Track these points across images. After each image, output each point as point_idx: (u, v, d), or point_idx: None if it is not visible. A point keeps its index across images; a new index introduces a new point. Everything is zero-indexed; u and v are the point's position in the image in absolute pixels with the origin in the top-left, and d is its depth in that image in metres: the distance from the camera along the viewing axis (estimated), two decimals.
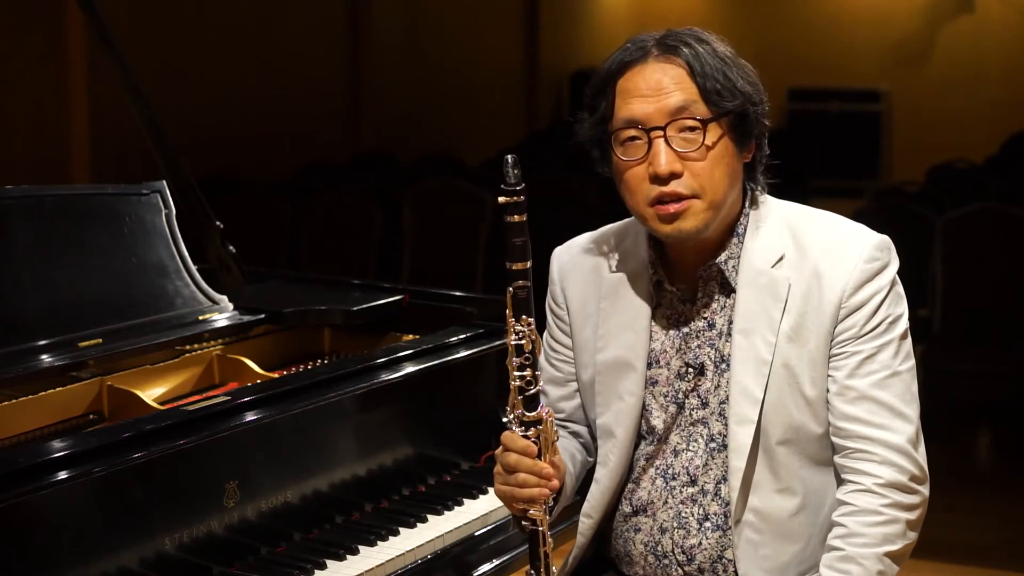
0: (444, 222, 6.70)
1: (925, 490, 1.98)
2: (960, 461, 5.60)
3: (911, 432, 1.97)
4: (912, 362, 2.01)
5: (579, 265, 2.18)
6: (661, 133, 1.95)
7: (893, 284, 2.00)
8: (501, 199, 1.90)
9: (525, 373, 1.93)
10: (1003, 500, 5.10)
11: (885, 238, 2.02)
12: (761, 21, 11.94)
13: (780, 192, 2.14)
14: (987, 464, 5.86)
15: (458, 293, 2.92)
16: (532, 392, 1.94)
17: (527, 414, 1.94)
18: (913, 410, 1.98)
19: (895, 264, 2.01)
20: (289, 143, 8.27)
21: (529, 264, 1.92)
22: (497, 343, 2.73)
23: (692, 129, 1.96)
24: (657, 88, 1.96)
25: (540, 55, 11.94)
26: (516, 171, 1.90)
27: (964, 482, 5.23)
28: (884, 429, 1.95)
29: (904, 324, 2.01)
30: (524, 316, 1.92)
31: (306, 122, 8.53)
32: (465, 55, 10.64)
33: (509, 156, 1.90)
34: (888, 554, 1.94)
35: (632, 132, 1.97)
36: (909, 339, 2.02)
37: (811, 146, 10.71)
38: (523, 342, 1.92)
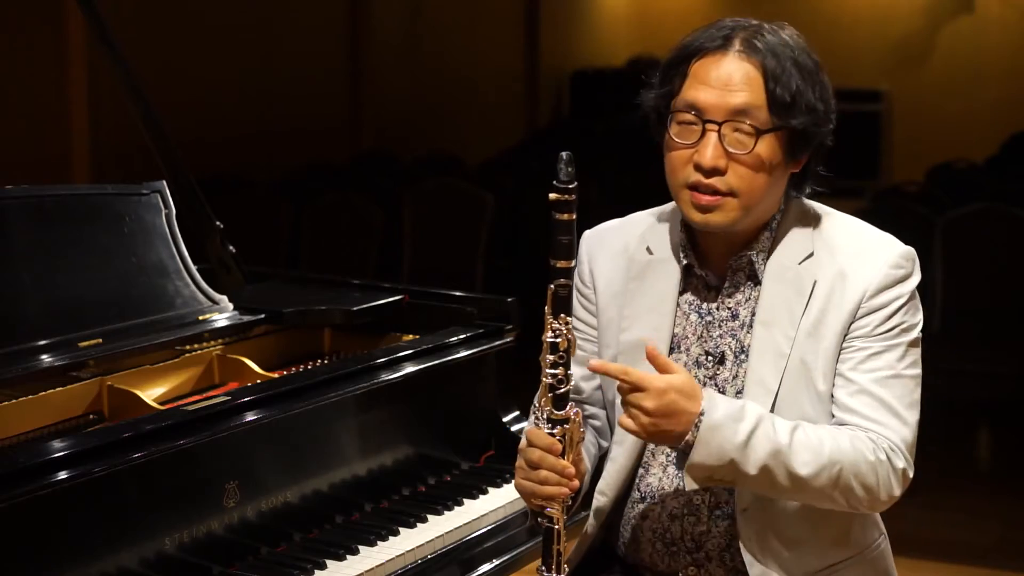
0: (444, 222, 6.70)
1: (902, 487, 1.98)
2: (960, 461, 5.59)
3: (907, 434, 1.98)
4: (918, 371, 2.02)
5: (609, 246, 2.20)
6: (716, 127, 1.98)
7: (912, 296, 2.03)
8: (552, 196, 1.90)
9: (557, 371, 1.93)
10: (1003, 500, 5.10)
11: (912, 250, 2.06)
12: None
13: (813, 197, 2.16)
14: (987, 464, 5.85)
15: (458, 293, 2.92)
16: (562, 391, 1.94)
17: (555, 412, 1.95)
18: (912, 416, 1.99)
19: (917, 277, 2.04)
20: (289, 143, 8.27)
21: (573, 263, 1.93)
22: (497, 343, 2.73)
23: (747, 134, 1.97)
24: (727, 82, 1.98)
25: (540, 55, 11.93)
26: (570, 169, 1.90)
27: (964, 482, 5.22)
28: (880, 425, 1.97)
29: (916, 333, 2.03)
30: (562, 314, 1.93)
31: (306, 122, 8.52)
32: (465, 55, 10.63)
33: (564, 153, 1.90)
34: (842, 470, 1.91)
35: (689, 116, 2.00)
36: (919, 349, 2.03)
37: None
38: (559, 340, 1.93)
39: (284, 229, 6.77)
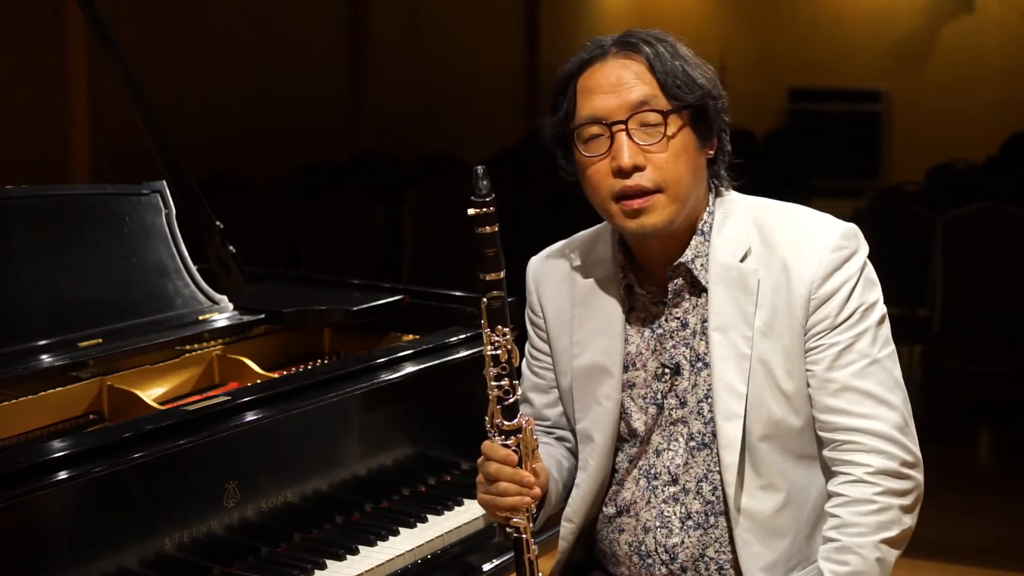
0: (444, 222, 6.70)
1: (918, 474, 1.98)
2: (960, 461, 5.60)
3: (896, 418, 1.96)
4: (891, 348, 2.01)
5: (552, 273, 2.19)
6: (623, 127, 1.97)
7: (862, 271, 2.00)
8: (471, 211, 1.91)
9: (503, 383, 1.94)
10: (1002, 500, 5.10)
11: (852, 226, 2.02)
12: (761, 21, 11.93)
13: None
14: (987, 464, 5.86)
15: (458, 293, 2.92)
16: (510, 401, 1.95)
17: (506, 423, 1.96)
18: (897, 396, 1.98)
19: (864, 251, 2.01)
20: (289, 143, 8.27)
21: (503, 274, 1.93)
22: None
23: (653, 124, 1.97)
24: (618, 83, 1.99)
25: (540, 55, 11.94)
26: (485, 182, 1.92)
27: (964, 482, 5.23)
28: (869, 418, 1.95)
29: (879, 311, 2.00)
30: (499, 326, 1.93)
31: (306, 122, 8.53)
32: (465, 55, 10.64)
33: (478, 167, 1.92)
34: (884, 541, 1.94)
35: (594, 128, 1.99)
36: (887, 325, 2.01)
37: (811, 146, 10.71)
38: (499, 352, 1.94)
39: (284, 229, 6.77)
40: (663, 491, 2.07)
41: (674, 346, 2.06)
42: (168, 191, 2.76)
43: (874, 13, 11.90)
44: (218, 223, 2.93)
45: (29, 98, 6.06)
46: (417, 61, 9.96)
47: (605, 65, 2.00)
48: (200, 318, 2.67)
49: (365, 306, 2.81)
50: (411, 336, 2.81)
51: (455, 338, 2.69)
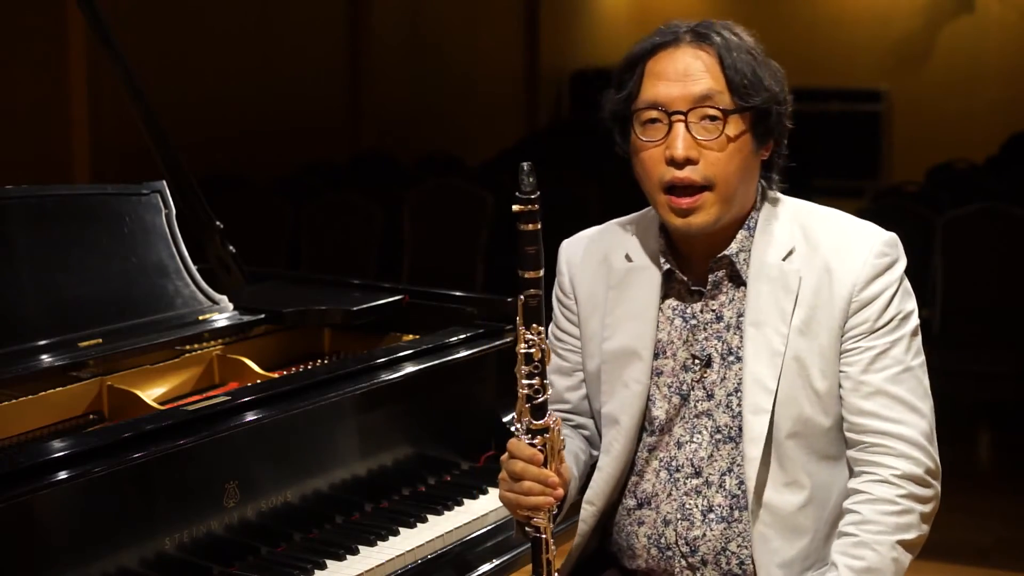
0: (444, 222, 6.70)
1: (938, 484, 2.02)
2: (960, 461, 5.58)
3: (925, 427, 1.99)
4: (923, 359, 2.03)
5: (588, 256, 2.19)
6: (682, 118, 1.97)
7: (902, 281, 2.03)
8: (515, 207, 1.90)
9: (533, 381, 1.93)
10: (1003, 500, 5.10)
11: (894, 235, 2.05)
12: (762, 21, 11.87)
13: (780, 192, 2.15)
14: (987, 464, 5.85)
15: (458, 293, 2.92)
16: (540, 400, 1.94)
17: (534, 422, 1.95)
18: (926, 406, 2.01)
19: (903, 261, 2.04)
20: (289, 143, 8.27)
21: (541, 272, 1.92)
22: (497, 343, 2.73)
23: (713, 119, 1.98)
24: (685, 73, 1.99)
25: (540, 55, 11.93)
26: (531, 179, 1.90)
27: (964, 482, 5.22)
28: (899, 423, 1.98)
29: (915, 321, 2.03)
30: (534, 324, 1.92)
31: (306, 122, 8.52)
32: (465, 55, 10.63)
33: (525, 164, 1.90)
34: (901, 543, 1.96)
35: (654, 114, 1.99)
36: (919, 337, 2.04)
37: (811, 146, 10.71)
38: (532, 350, 1.92)
39: (284, 229, 6.77)
40: (685, 483, 2.07)
41: (706, 338, 2.07)
42: (168, 191, 2.76)
43: (874, 13, 11.91)
44: (218, 223, 2.93)
45: (29, 98, 6.06)
46: (417, 61, 9.96)
47: (676, 52, 2.00)
48: (200, 318, 2.67)
49: (365, 306, 2.81)
50: (411, 336, 2.81)
51: (455, 338, 2.69)
